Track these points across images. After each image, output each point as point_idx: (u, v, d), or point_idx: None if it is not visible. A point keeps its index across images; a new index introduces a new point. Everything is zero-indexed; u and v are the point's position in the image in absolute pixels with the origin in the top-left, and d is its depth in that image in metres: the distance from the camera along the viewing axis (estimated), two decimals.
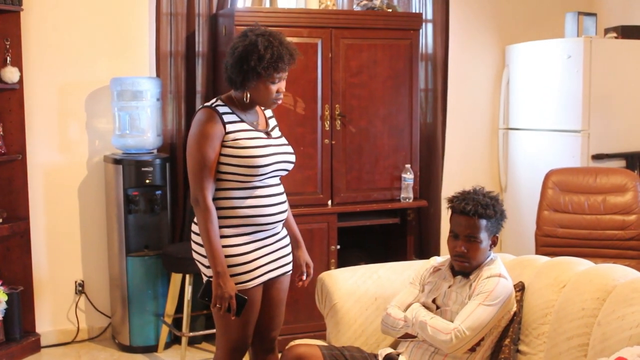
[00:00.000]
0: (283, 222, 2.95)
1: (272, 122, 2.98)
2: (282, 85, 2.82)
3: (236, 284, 2.76)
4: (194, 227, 2.86)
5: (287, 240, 3.00)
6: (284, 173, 2.94)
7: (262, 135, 2.85)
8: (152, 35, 4.71)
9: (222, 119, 2.75)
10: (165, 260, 4.40)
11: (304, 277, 3.08)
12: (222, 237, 2.76)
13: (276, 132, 2.95)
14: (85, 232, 4.72)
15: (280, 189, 2.92)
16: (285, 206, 2.94)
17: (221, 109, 2.78)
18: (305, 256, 3.08)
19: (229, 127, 2.76)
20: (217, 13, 4.70)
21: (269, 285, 2.92)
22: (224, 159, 2.76)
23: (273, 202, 2.85)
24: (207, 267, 2.79)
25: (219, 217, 2.76)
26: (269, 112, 3.00)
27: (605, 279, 2.57)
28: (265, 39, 2.73)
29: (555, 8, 5.64)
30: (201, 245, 2.79)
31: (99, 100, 4.67)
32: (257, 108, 2.92)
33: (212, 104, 2.81)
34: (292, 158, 2.94)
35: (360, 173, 4.60)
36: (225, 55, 2.81)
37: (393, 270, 3.26)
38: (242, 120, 2.81)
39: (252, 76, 2.74)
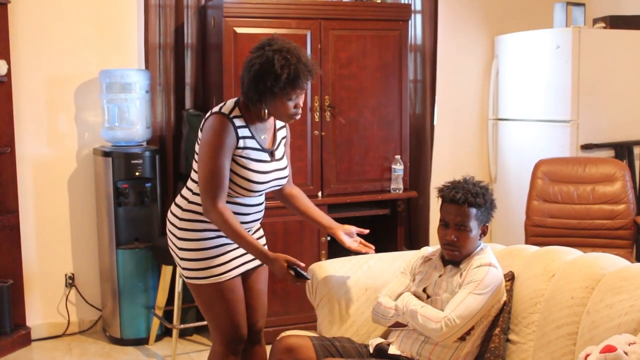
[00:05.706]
0: (258, 221, 2.97)
1: (281, 134, 2.95)
2: (300, 100, 2.77)
3: (211, 276, 2.80)
4: (171, 217, 2.90)
5: (261, 233, 3.03)
6: (271, 190, 2.96)
7: (266, 157, 2.83)
8: (140, 27, 4.68)
9: (236, 133, 2.73)
10: (156, 252, 4.40)
11: (361, 248, 3.05)
12: (194, 230, 2.81)
13: (279, 151, 2.92)
14: (75, 225, 4.71)
15: (262, 198, 2.93)
16: (262, 214, 2.96)
17: (237, 122, 2.74)
18: (342, 226, 3.06)
19: (241, 143, 2.75)
20: (205, 4, 4.68)
21: (246, 277, 2.95)
22: None
23: (251, 211, 2.88)
24: (181, 259, 2.85)
25: (196, 213, 2.80)
26: (280, 122, 2.95)
27: (594, 268, 2.59)
28: (282, 56, 2.65)
29: None
30: (177, 238, 2.85)
31: (88, 92, 4.64)
32: (271, 118, 2.89)
33: (230, 113, 2.75)
34: (284, 181, 2.94)
35: (350, 164, 4.60)
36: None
37: (383, 260, 3.27)
38: (252, 137, 2.79)
39: (268, 95, 2.70)
